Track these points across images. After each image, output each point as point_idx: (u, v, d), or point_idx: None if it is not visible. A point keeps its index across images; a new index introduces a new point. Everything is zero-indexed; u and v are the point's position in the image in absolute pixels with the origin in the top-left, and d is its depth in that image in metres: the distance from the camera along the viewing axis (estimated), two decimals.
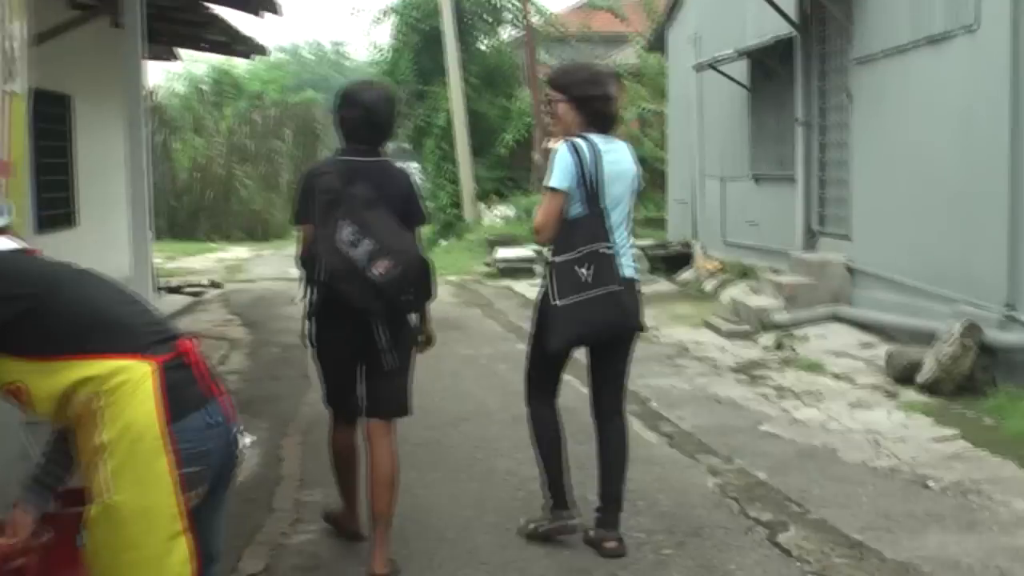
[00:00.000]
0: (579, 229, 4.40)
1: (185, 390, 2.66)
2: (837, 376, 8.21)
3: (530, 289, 14.23)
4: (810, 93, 11.26)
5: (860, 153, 10.02)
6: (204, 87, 35.81)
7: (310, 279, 4.36)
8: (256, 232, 28.30)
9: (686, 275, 14.57)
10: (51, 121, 11.15)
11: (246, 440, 2.90)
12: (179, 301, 13.35)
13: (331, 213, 4.20)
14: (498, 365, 8.92)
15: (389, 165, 4.52)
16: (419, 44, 23.29)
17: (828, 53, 10.90)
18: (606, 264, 4.38)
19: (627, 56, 25.14)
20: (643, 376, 8.24)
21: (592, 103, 4.52)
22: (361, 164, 4.36)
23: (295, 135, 32.52)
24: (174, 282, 14.91)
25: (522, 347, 9.27)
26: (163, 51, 15.22)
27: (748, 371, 8.58)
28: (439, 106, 22.68)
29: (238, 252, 23.78)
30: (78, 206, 11.28)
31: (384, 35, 25.38)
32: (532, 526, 4.74)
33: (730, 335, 10.19)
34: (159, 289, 12.80)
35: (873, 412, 7.06)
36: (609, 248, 4.39)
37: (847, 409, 7.15)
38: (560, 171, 4.40)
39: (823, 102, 11.08)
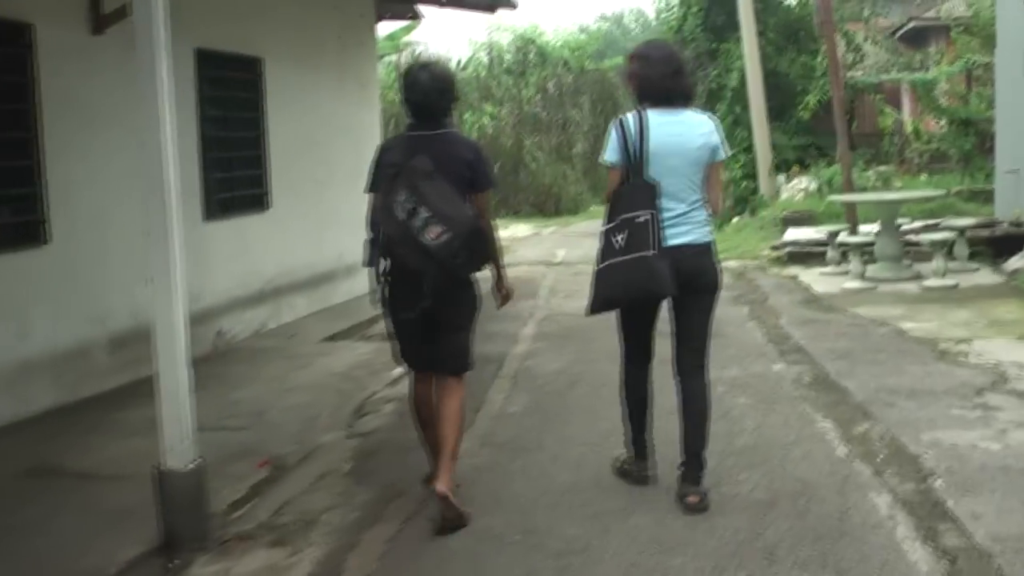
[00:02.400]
0: (621, 199, 4.79)
1: None
2: None
3: (819, 280, 12.00)
4: None
5: None
6: (508, 55, 35.07)
7: (374, 244, 4.85)
8: (547, 207, 27.05)
9: (1015, 262, 11.80)
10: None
11: None
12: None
13: (393, 184, 4.68)
14: (737, 399, 6.91)
15: (452, 136, 4.95)
16: None
17: None
18: (640, 231, 4.65)
19: (956, 6, 22.12)
20: (931, 423, 6.04)
21: (650, 80, 4.85)
22: (422, 138, 4.84)
23: (593, 103, 31.04)
24: None
25: (780, 368, 7.37)
26: (406, 9, 14.12)
27: None
28: (732, 66, 20.31)
29: (517, 230, 22.53)
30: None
31: None
32: (619, 463, 5.33)
33: None
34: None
35: None
36: (646, 216, 4.65)
37: None
38: (608, 146, 4.86)
39: None
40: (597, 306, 4.89)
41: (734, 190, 20.24)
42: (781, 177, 19.47)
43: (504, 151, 27.65)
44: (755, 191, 19.67)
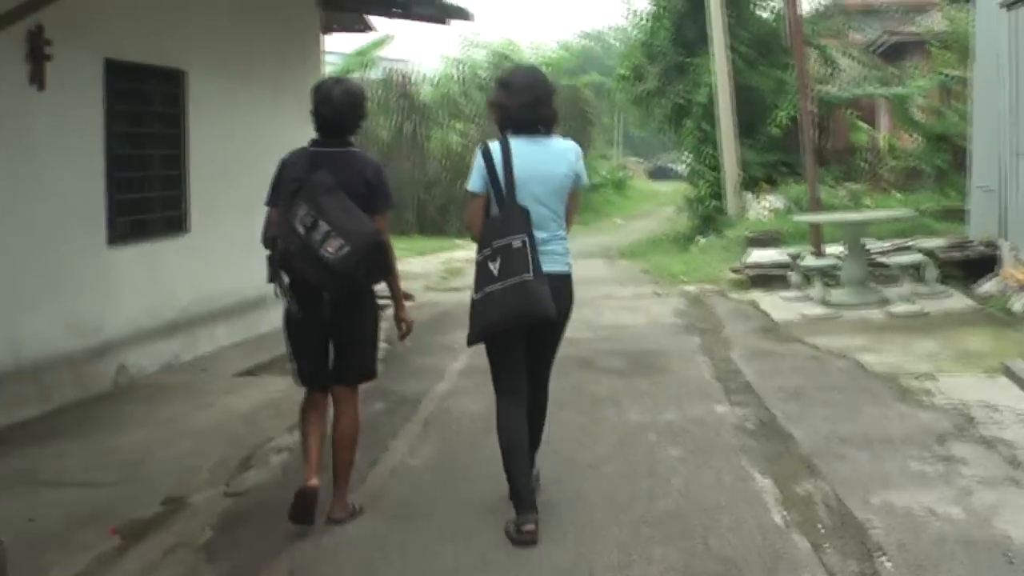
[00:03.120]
0: (492, 227, 4.77)
1: None
2: None
3: (780, 305, 11.25)
4: None
5: None
6: (482, 71, 34.40)
7: (273, 260, 4.86)
8: None
9: (988, 286, 11.08)
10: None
11: None
12: None
13: (294, 198, 4.73)
14: (669, 450, 6.11)
15: (354, 154, 4.99)
16: (682, 8, 20.22)
17: None
18: (517, 257, 4.64)
19: (935, 21, 21.51)
20: (884, 481, 5.29)
21: (511, 108, 4.87)
22: (325, 154, 4.90)
23: (564, 120, 30.30)
24: None
25: (723, 410, 6.61)
26: (355, 20, 13.42)
27: None
28: (701, 80, 19.57)
29: (473, 251, 21.68)
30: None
31: (641, 1, 22.26)
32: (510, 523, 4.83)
33: None
34: None
35: None
36: (521, 241, 4.65)
37: None
38: (472, 174, 4.89)
39: None
40: (476, 335, 4.89)
41: (700, 209, 19.55)
42: (749, 195, 18.76)
43: (469, 169, 26.83)
44: (721, 211, 18.96)
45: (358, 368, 5.09)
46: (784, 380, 7.78)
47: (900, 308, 10.36)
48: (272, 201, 4.98)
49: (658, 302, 12.41)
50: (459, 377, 8.53)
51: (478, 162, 4.86)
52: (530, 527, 4.64)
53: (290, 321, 4.97)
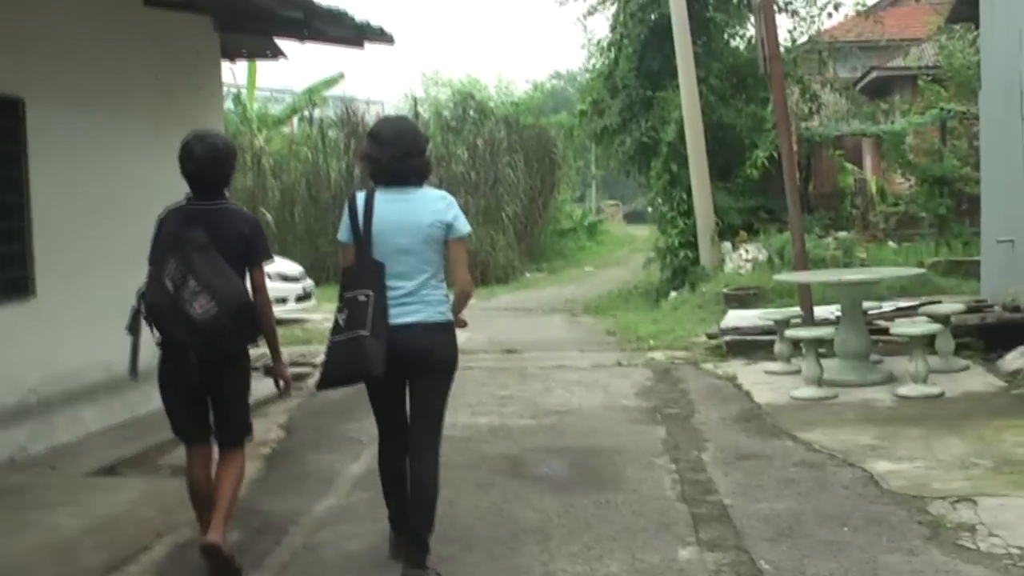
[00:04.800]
0: (347, 277, 4.81)
1: None
2: None
3: (764, 382, 9.39)
4: None
5: None
6: (446, 111, 32.71)
7: (137, 312, 4.83)
8: (473, 276, 24.24)
9: (1015, 360, 9.18)
10: None
11: None
12: None
13: (165, 255, 4.71)
14: None
15: (229, 210, 4.97)
16: (644, 39, 18.32)
17: None
18: (359, 310, 4.64)
19: (923, 54, 19.94)
20: None
21: (379, 161, 4.86)
22: (199, 210, 4.87)
23: (528, 161, 28.50)
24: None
25: (688, 557, 4.77)
26: (263, 46, 11.59)
27: None
28: (669, 117, 17.68)
29: None
30: None
31: (602, 29, 20.37)
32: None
33: None
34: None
35: None
36: (366, 295, 4.64)
37: None
38: (342, 224, 4.91)
39: None
40: (321, 384, 4.95)
41: (671, 260, 17.62)
42: (726, 245, 16.87)
43: None
44: (695, 261, 17.05)
45: (230, 429, 5.04)
46: (772, 503, 5.81)
47: (911, 390, 8.44)
48: (151, 258, 4.89)
49: (620, 375, 10.44)
50: (353, 488, 6.56)
51: (344, 212, 4.88)
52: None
53: (161, 376, 4.94)
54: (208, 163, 4.91)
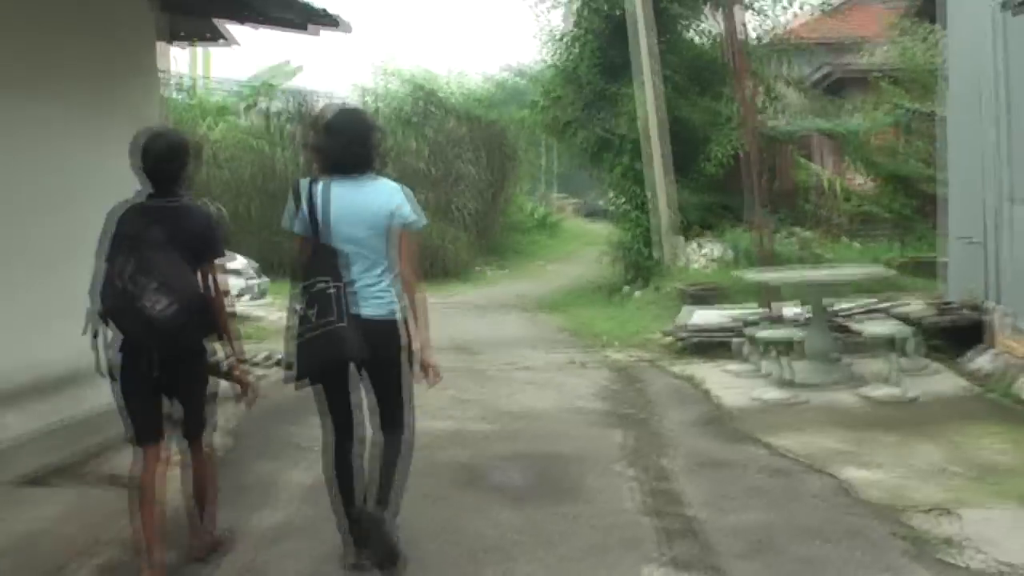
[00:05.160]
0: (307, 267, 4.72)
1: None
2: None
3: (727, 383, 9.08)
4: None
5: None
6: (405, 106, 32.18)
7: (92, 313, 4.75)
8: (431, 272, 23.77)
9: (981, 361, 8.95)
10: None
11: None
12: None
13: (121, 252, 4.63)
14: None
15: (186, 208, 4.86)
16: (605, 31, 18.00)
17: None
18: (327, 301, 4.59)
19: (877, 56, 19.77)
20: None
21: (327, 150, 4.82)
22: (156, 208, 4.77)
23: (487, 157, 28.11)
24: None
25: None
26: (205, 29, 11.12)
27: None
28: (627, 111, 17.36)
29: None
30: None
31: (559, 21, 19.85)
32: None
33: None
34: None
35: None
36: (335, 287, 4.60)
37: None
38: (286, 213, 4.87)
39: None
40: (299, 378, 4.80)
41: (626, 256, 17.29)
42: (683, 241, 16.55)
43: None
44: (651, 257, 16.72)
45: (195, 422, 5.08)
46: (743, 515, 5.48)
47: (879, 392, 8.18)
48: (101, 254, 4.80)
49: (577, 375, 10.10)
50: (299, 501, 6.14)
51: (290, 199, 4.84)
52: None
53: (119, 374, 4.84)
54: (164, 160, 4.87)
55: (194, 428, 5.07)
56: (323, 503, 5.73)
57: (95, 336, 4.78)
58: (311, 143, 5.22)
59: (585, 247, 33.35)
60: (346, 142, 4.79)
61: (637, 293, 15.95)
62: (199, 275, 4.82)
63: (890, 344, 8.38)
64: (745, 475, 6.28)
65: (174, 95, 28.59)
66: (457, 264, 24.62)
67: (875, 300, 10.74)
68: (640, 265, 16.93)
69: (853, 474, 6.11)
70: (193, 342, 4.83)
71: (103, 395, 9.00)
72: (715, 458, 6.69)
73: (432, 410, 8.47)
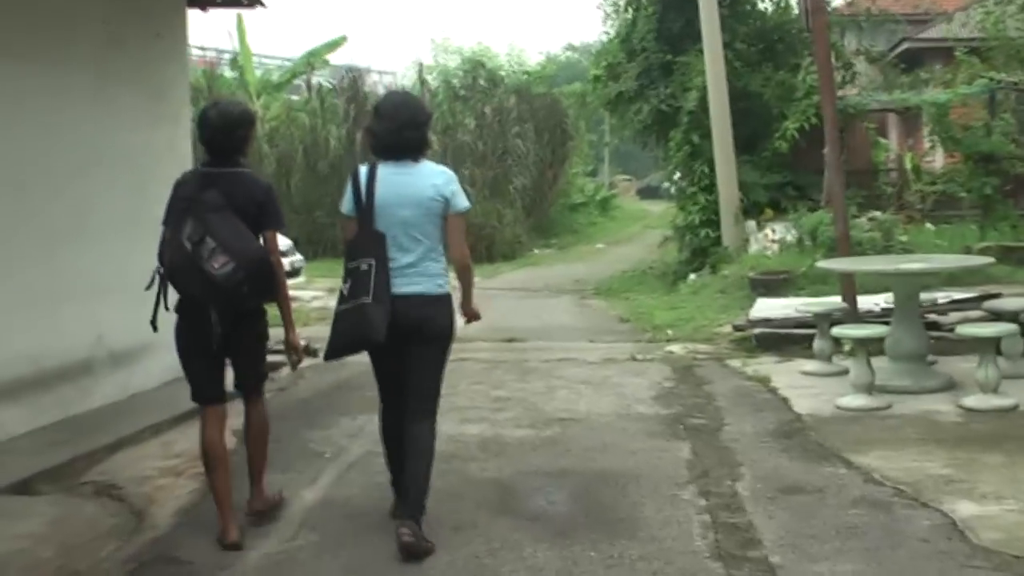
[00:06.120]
0: (350, 248, 4.92)
1: None
2: None
3: (803, 385, 8.13)
4: None
5: None
6: (455, 80, 31.36)
7: (158, 273, 4.95)
8: (476, 252, 22.92)
9: None
10: None
11: None
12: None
13: (183, 216, 4.83)
14: None
15: (244, 175, 5.08)
16: None
17: None
18: (362, 279, 4.78)
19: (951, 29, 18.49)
20: None
21: (379, 134, 4.97)
22: (215, 174, 4.99)
23: (539, 131, 27.15)
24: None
25: None
26: None
27: None
28: (690, 83, 16.28)
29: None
30: None
31: None
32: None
33: None
34: None
35: None
36: (368, 264, 4.76)
37: None
38: (344, 197, 5.02)
39: None
40: (328, 354, 4.97)
41: (690, 239, 16.27)
42: (751, 224, 15.49)
43: None
44: (717, 241, 15.68)
45: (252, 378, 5.24)
46: (836, 564, 4.48)
47: (980, 401, 7.12)
48: (165, 220, 5.01)
49: (634, 372, 9.12)
50: (299, 528, 5.24)
51: (349, 185, 4.98)
52: (406, 533, 4.68)
53: (179, 337, 5.05)
54: (220, 130, 5.01)
55: (253, 383, 5.24)
56: (328, 527, 5.13)
57: (160, 294, 5.00)
58: (366, 127, 5.30)
59: (641, 228, 32.40)
60: (396, 127, 4.91)
61: (699, 279, 14.91)
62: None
63: (991, 346, 7.31)
64: (833, 506, 5.28)
65: (227, 73, 28.01)
66: (507, 244, 23.73)
67: (963, 292, 9.65)
68: (703, 249, 15.89)
69: (965, 510, 5.10)
70: (252, 302, 4.98)
71: (113, 387, 8.28)
72: (798, 483, 5.69)
73: (464, 409, 7.60)
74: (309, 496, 5.68)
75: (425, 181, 4.90)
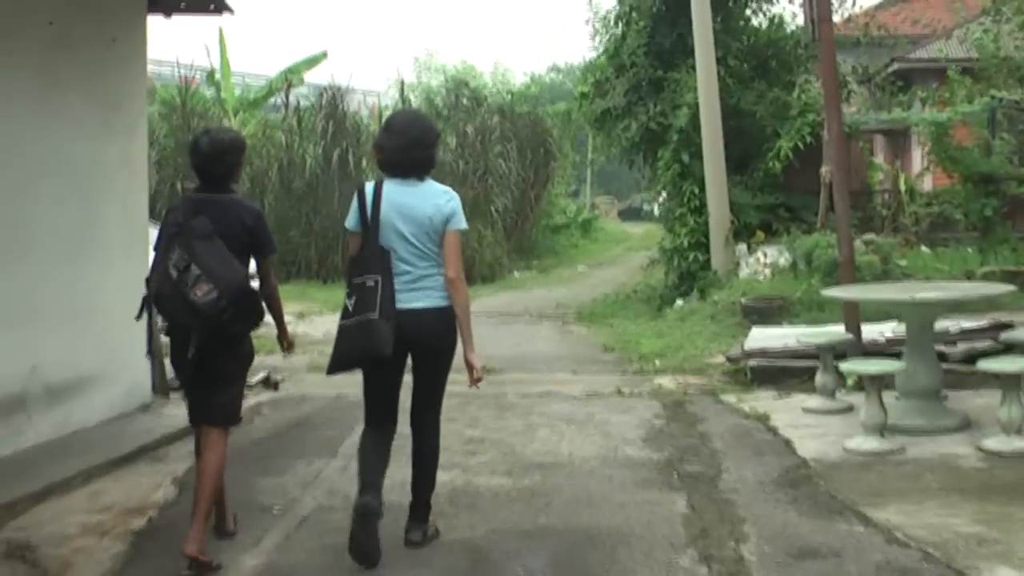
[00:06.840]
0: (357, 264, 5.02)
1: None
2: None
3: (805, 424, 7.48)
4: None
5: None
6: (438, 99, 30.72)
7: (146, 300, 5.05)
8: None
9: None
10: None
11: None
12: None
13: (171, 243, 4.92)
14: None
15: (233, 201, 5.16)
16: (656, 11, 16.33)
17: None
18: (368, 295, 4.86)
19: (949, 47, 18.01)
20: None
21: (386, 151, 5.08)
22: (204, 200, 5.10)
23: (521, 151, 26.49)
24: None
25: None
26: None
27: None
28: (681, 100, 15.65)
29: None
30: None
31: (609, 1, 18.21)
32: None
33: None
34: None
35: None
36: (374, 280, 4.86)
37: None
38: (350, 213, 5.09)
39: None
40: (332, 367, 5.02)
41: (678, 263, 15.59)
42: (741, 247, 14.83)
43: None
44: (706, 265, 15.01)
45: (221, 409, 5.12)
46: None
47: (1003, 444, 6.46)
48: (156, 246, 5.06)
49: (621, 408, 8.41)
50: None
51: (352, 201, 5.06)
52: (416, 535, 5.04)
53: (173, 360, 5.17)
54: (210, 157, 5.10)
55: (220, 416, 5.13)
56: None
57: (150, 321, 5.13)
58: (375, 142, 5.41)
59: (624, 250, 31.73)
60: (406, 145, 5.00)
61: (687, 304, 14.23)
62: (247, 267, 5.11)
63: (1016, 383, 6.63)
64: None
65: (204, 91, 27.28)
66: (487, 266, 22.97)
67: (973, 319, 9.01)
68: (691, 272, 15.23)
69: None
70: (234, 330, 4.98)
71: (49, 424, 7.55)
72: (811, 544, 4.98)
73: None
74: (249, 563, 4.93)
75: (429, 200, 5.00)
